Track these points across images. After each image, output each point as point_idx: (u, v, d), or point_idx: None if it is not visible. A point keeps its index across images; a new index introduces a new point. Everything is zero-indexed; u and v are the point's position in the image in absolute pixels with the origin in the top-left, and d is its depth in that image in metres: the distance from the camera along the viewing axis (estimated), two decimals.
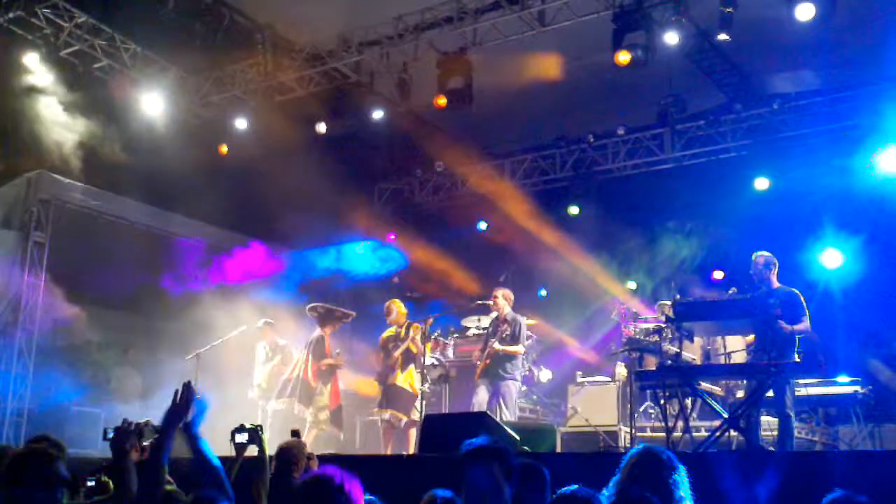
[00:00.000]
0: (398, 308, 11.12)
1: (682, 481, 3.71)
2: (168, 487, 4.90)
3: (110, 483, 5.44)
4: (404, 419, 10.58)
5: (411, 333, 10.83)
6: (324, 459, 7.51)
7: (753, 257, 8.68)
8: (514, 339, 10.33)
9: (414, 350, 10.78)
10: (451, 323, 12.97)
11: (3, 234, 12.02)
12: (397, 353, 10.75)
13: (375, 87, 12.64)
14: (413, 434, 10.46)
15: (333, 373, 11.36)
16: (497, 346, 10.28)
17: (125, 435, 4.87)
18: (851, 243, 12.06)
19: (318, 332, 11.51)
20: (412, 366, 10.84)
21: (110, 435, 4.96)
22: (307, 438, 9.91)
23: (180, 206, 13.04)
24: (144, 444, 6.68)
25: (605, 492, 3.80)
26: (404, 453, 10.17)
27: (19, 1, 11.39)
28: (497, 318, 10.69)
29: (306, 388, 11.13)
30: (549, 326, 12.90)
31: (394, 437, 10.77)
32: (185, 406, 4.01)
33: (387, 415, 10.63)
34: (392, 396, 10.66)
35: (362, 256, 14.57)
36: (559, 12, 10.86)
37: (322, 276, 13.88)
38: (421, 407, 10.35)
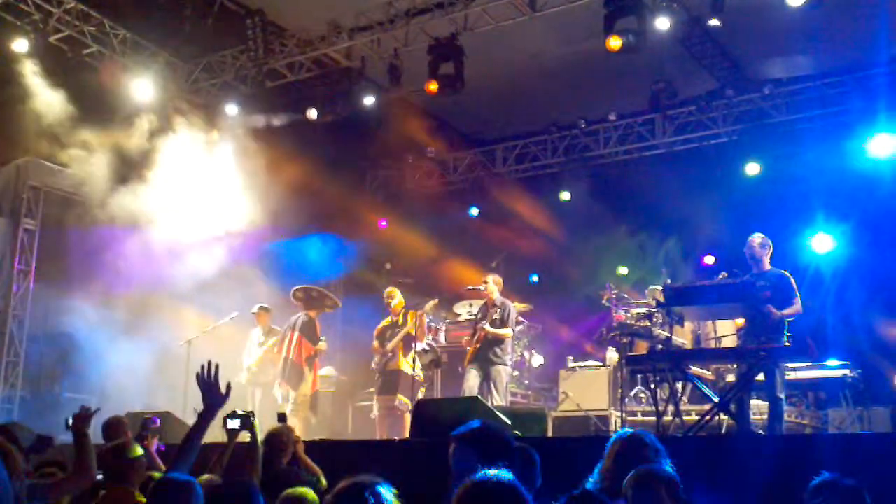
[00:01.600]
0: (398, 297, 11.20)
1: (667, 465, 3.74)
2: (155, 474, 4.95)
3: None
4: (410, 405, 10.54)
5: (409, 320, 10.90)
6: (316, 445, 7.54)
7: (749, 238, 8.69)
8: (504, 322, 10.34)
9: (413, 333, 10.87)
10: (443, 308, 12.98)
11: None
12: (394, 342, 10.80)
13: (367, 72, 12.59)
14: (408, 418, 10.50)
15: (316, 358, 11.38)
16: (487, 327, 10.32)
17: (83, 420, 5.13)
18: (842, 228, 12.11)
19: (305, 314, 11.45)
20: (412, 351, 10.90)
21: (70, 423, 5.26)
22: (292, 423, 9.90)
23: (171, 190, 12.94)
24: (144, 432, 6.72)
25: (590, 478, 3.83)
26: (396, 438, 10.19)
27: None
28: (486, 302, 10.72)
29: (297, 371, 11.12)
30: (541, 312, 12.92)
31: (390, 421, 10.81)
32: (216, 386, 3.99)
33: (396, 401, 10.68)
34: (401, 382, 10.70)
35: (336, 250, 14.45)
36: None
37: (311, 263, 13.80)
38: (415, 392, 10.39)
